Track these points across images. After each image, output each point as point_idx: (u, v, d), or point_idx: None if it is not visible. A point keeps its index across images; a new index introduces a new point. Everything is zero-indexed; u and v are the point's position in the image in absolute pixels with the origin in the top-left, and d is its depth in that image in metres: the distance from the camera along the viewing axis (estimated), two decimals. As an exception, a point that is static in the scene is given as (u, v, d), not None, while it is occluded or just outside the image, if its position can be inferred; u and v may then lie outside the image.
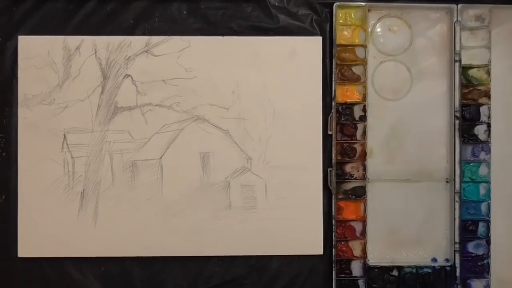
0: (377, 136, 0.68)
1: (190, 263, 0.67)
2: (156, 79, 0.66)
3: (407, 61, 0.69)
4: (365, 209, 0.67)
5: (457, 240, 0.67)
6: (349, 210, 0.67)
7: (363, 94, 0.68)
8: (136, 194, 0.66)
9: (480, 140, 0.68)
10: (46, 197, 0.65)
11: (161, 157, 0.66)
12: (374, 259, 0.68)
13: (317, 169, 0.67)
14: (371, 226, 0.68)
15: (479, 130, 0.68)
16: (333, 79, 0.67)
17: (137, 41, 0.66)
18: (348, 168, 0.67)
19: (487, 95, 0.68)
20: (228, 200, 0.67)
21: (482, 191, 0.68)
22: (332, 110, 0.67)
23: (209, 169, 0.66)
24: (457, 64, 0.67)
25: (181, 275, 0.67)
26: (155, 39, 0.66)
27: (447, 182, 0.68)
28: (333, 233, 0.67)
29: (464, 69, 0.68)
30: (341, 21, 0.68)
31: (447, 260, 0.68)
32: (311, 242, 0.67)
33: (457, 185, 0.67)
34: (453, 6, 0.68)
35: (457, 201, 0.67)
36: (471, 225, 0.67)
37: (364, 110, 0.67)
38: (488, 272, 0.67)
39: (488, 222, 0.67)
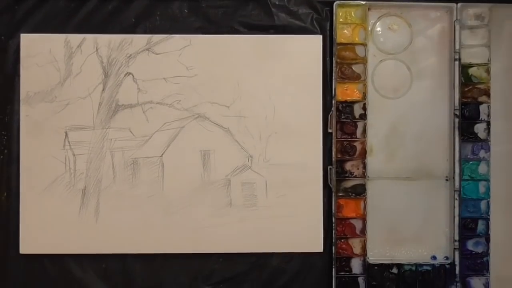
0: (377, 134, 0.69)
1: (190, 260, 0.67)
2: (157, 77, 0.67)
3: (407, 60, 0.69)
4: (365, 207, 0.67)
5: (456, 238, 0.67)
6: (349, 208, 0.67)
7: (363, 93, 0.68)
8: (137, 191, 0.66)
9: (480, 138, 0.68)
10: (47, 194, 0.66)
11: (162, 154, 0.66)
12: (374, 256, 0.68)
13: (317, 167, 0.67)
14: (371, 224, 0.68)
15: (479, 129, 0.68)
16: (333, 78, 0.67)
17: (139, 39, 0.67)
18: (348, 166, 0.68)
19: (487, 93, 0.68)
20: (228, 197, 0.67)
21: (481, 189, 0.68)
22: (332, 108, 0.68)
23: (210, 166, 0.67)
24: (456, 62, 0.67)
25: (182, 272, 0.67)
26: (156, 37, 0.67)
27: (446, 180, 0.69)
28: (333, 231, 0.67)
29: (464, 67, 0.68)
30: (341, 20, 0.68)
31: (446, 257, 0.68)
32: (311, 240, 0.67)
33: (457, 183, 0.67)
34: (453, 5, 0.68)
35: (456, 199, 0.67)
36: (471, 223, 0.68)
37: (364, 108, 0.68)
38: (487, 270, 0.67)
39: (487, 220, 0.68)
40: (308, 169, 0.67)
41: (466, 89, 0.68)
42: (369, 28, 0.69)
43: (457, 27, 0.68)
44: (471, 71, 0.68)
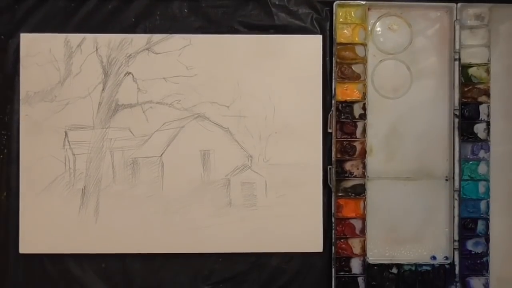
0: (376, 134, 0.69)
1: (190, 260, 0.67)
2: (157, 77, 0.67)
3: (406, 60, 0.69)
4: (364, 207, 0.67)
5: (456, 238, 0.67)
6: (348, 208, 0.67)
7: (363, 93, 0.68)
8: (136, 191, 0.66)
9: (480, 138, 0.68)
10: (47, 194, 0.66)
11: (161, 154, 0.66)
12: (373, 256, 0.68)
13: (317, 167, 0.67)
14: (370, 224, 0.68)
15: (479, 129, 0.68)
16: (333, 77, 0.67)
17: (138, 39, 0.67)
18: (347, 166, 0.68)
19: (487, 93, 0.68)
20: (228, 197, 0.67)
21: (481, 189, 0.68)
22: (332, 108, 0.68)
23: (210, 166, 0.67)
24: (456, 62, 0.67)
25: (181, 272, 0.67)
26: (156, 37, 0.67)
27: (446, 180, 0.69)
28: (333, 231, 0.67)
29: (464, 67, 0.68)
30: (341, 20, 0.68)
31: (446, 257, 0.68)
32: (311, 240, 0.67)
33: (457, 183, 0.67)
34: (453, 5, 0.68)
35: (456, 199, 0.67)
36: (470, 223, 0.68)
37: (364, 108, 0.68)
38: (487, 270, 0.67)
39: (487, 220, 0.68)
40: (308, 169, 0.67)
41: (466, 89, 0.68)
42: (369, 28, 0.69)
43: (457, 27, 0.68)
44: (471, 71, 0.68)
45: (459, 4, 0.68)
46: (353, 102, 0.68)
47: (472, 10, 0.69)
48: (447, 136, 0.69)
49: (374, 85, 0.69)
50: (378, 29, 0.69)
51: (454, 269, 0.67)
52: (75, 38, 0.66)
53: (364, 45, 0.68)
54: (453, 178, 0.67)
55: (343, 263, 0.67)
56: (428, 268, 0.67)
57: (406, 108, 0.69)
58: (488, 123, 0.68)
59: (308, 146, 0.67)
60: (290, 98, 0.67)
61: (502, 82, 0.69)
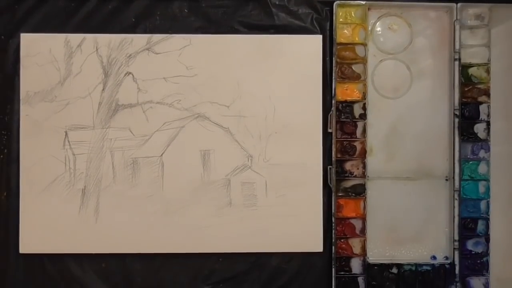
0: (377, 134, 0.69)
1: (190, 260, 0.67)
2: (157, 77, 0.67)
3: (407, 60, 0.69)
4: (364, 207, 0.67)
5: (456, 238, 0.67)
6: (349, 207, 0.68)
7: (363, 92, 0.68)
8: (137, 191, 0.66)
9: (480, 138, 0.68)
10: (47, 194, 0.66)
11: (162, 154, 0.66)
12: (373, 256, 0.68)
13: (317, 167, 0.67)
14: (370, 224, 0.68)
15: (479, 128, 0.68)
16: (333, 77, 0.67)
17: (139, 39, 0.67)
18: (348, 166, 0.68)
19: (487, 93, 0.68)
20: (228, 197, 0.67)
21: (481, 189, 0.68)
22: (332, 108, 0.68)
23: (210, 166, 0.67)
24: (456, 62, 0.67)
25: (182, 272, 0.67)
26: (156, 37, 0.67)
27: (446, 180, 0.69)
28: (333, 231, 0.67)
29: (464, 67, 0.68)
30: (341, 20, 0.68)
31: (446, 257, 0.68)
32: (311, 240, 0.67)
33: (457, 183, 0.67)
34: (453, 5, 0.68)
35: (456, 199, 0.67)
36: (470, 223, 0.68)
37: (364, 108, 0.68)
38: (487, 270, 0.67)
39: (487, 220, 0.68)
40: (308, 169, 0.67)
41: (466, 89, 0.68)
42: (369, 28, 0.69)
43: (457, 27, 0.68)
44: (471, 71, 0.68)
45: (459, 4, 0.68)
46: (353, 102, 0.68)
47: (472, 10, 0.69)
48: (447, 136, 0.69)
49: (374, 85, 0.69)
50: (378, 29, 0.69)
51: (454, 269, 0.67)
52: (75, 38, 0.66)
53: (364, 45, 0.68)
54: (453, 178, 0.67)
55: (343, 263, 0.67)
56: (428, 268, 0.67)
57: (406, 108, 0.69)
58: (488, 123, 0.68)
59: (308, 146, 0.67)
60: (290, 98, 0.67)
61: (502, 82, 0.69)
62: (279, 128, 0.67)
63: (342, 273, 0.67)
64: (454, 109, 0.68)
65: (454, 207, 0.67)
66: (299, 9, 0.69)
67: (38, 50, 0.66)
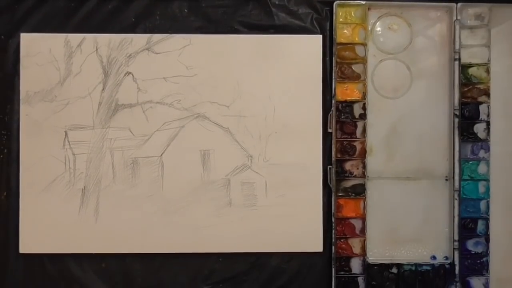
0: (376, 134, 0.69)
1: (190, 260, 0.67)
2: (157, 77, 0.67)
3: (406, 60, 0.69)
4: (364, 207, 0.67)
5: (456, 238, 0.67)
6: (348, 207, 0.68)
7: (363, 92, 0.68)
8: (136, 191, 0.66)
9: (480, 138, 0.68)
10: (47, 194, 0.66)
11: (161, 154, 0.66)
12: (373, 256, 0.68)
13: (317, 167, 0.67)
14: (370, 224, 0.68)
15: (479, 128, 0.68)
16: (333, 77, 0.67)
17: (138, 39, 0.67)
18: (348, 166, 0.68)
19: (487, 93, 0.68)
20: (228, 197, 0.67)
21: (481, 189, 0.68)
22: (332, 108, 0.68)
23: (210, 166, 0.67)
24: (456, 62, 0.67)
25: (181, 272, 0.67)
26: (156, 37, 0.67)
27: (446, 180, 0.69)
28: (333, 231, 0.67)
29: (464, 67, 0.68)
30: (341, 20, 0.68)
31: (446, 257, 0.68)
32: (311, 240, 0.67)
33: (456, 183, 0.67)
34: (453, 5, 0.68)
35: (456, 199, 0.67)
36: (470, 223, 0.68)
37: (364, 108, 0.68)
38: (487, 270, 0.67)
39: (487, 220, 0.68)
40: (308, 169, 0.67)
41: (466, 89, 0.68)
42: (369, 28, 0.69)
43: (457, 27, 0.68)
44: (471, 71, 0.68)
45: (459, 4, 0.68)
46: (353, 102, 0.68)
47: (472, 10, 0.69)
48: (447, 136, 0.69)
49: (374, 85, 0.69)
50: (378, 29, 0.69)
51: (454, 269, 0.67)
52: (75, 38, 0.66)
53: (364, 45, 0.68)
54: (453, 178, 0.67)
55: (343, 263, 0.67)
56: (428, 268, 0.67)
57: (406, 108, 0.69)
58: (488, 123, 0.68)
59: (308, 146, 0.67)
60: (290, 98, 0.67)
61: (502, 82, 0.69)
62: (279, 128, 0.67)
63: (342, 273, 0.67)
64: (454, 109, 0.68)
65: (454, 207, 0.67)
66: (299, 9, 0.69)
67: (38, 50, 0.66)
